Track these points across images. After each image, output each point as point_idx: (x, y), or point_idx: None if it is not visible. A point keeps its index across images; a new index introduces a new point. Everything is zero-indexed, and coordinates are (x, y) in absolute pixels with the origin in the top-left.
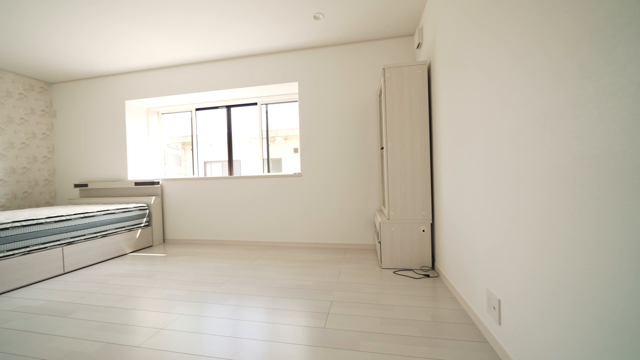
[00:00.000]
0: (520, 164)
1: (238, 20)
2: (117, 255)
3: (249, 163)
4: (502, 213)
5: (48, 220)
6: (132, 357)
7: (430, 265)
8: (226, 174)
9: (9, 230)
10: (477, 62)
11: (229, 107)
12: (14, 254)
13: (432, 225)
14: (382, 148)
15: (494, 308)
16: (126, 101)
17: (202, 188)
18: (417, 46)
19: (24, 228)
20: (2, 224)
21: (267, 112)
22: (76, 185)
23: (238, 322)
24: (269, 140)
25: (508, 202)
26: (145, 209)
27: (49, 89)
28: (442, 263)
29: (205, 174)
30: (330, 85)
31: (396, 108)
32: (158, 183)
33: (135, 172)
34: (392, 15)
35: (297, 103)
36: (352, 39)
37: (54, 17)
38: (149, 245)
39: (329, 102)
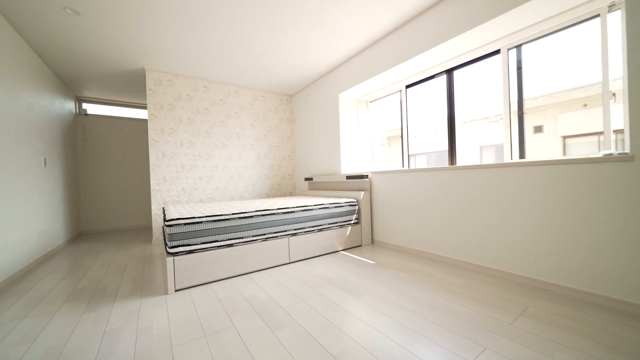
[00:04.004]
0: None
1: None
2: (330, 251)
3: (462, 153)
4: None
5: (278, 211)
6: None
7: None
8: (434, 165)
9: (254, 218)
10: None
11: (449, 72)
12: (256, 240)
13: None
14: None
15: None
16: (339, 94)
17: (416, 183)
18: None
19: (263, 217)
20: (249, 212)
21: (519, 61)
22: (306, 179)
23: None
24: (510, 115)
25: None
26: (355, 205)
27: (290, 100)
28: None
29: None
30: None
31: None
32: (367, 177)
33: (347, 165)
34: None
35: (568, 32)
36: None
37: (292, 45)
38: (357, 244)
39: None
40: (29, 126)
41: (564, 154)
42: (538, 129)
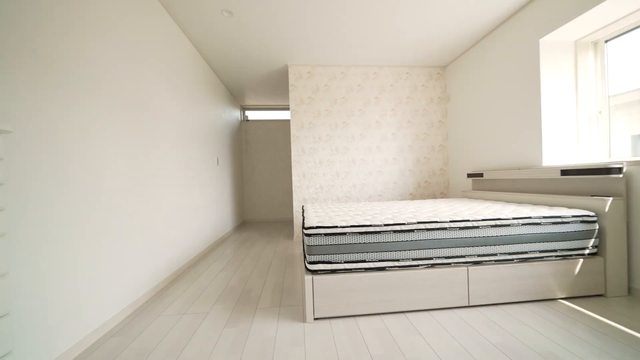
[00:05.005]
0: None
1: None
2: (540, 298)
3: None
4: None
5: (452, 225)
6: None
7: None
8: None
9: (414, 234)
10: None
11: None
12: (417, 266)
13: None
14: None
15: None
16: (540, 40)
17: None
18: None
19: (427, 232)
20: (410, 223)
21: None
22: (469, 175)
23: None
24: None
25: None
26: (593, 221)
27: (443, 73)
28: None
29: None
30: None
31: None
32: (620, 170)
33: (552, 153)
34: None
35: None
36: None
37: None
38: (596, 293)
39: None
40: (208, 132)
41: None
42: None
